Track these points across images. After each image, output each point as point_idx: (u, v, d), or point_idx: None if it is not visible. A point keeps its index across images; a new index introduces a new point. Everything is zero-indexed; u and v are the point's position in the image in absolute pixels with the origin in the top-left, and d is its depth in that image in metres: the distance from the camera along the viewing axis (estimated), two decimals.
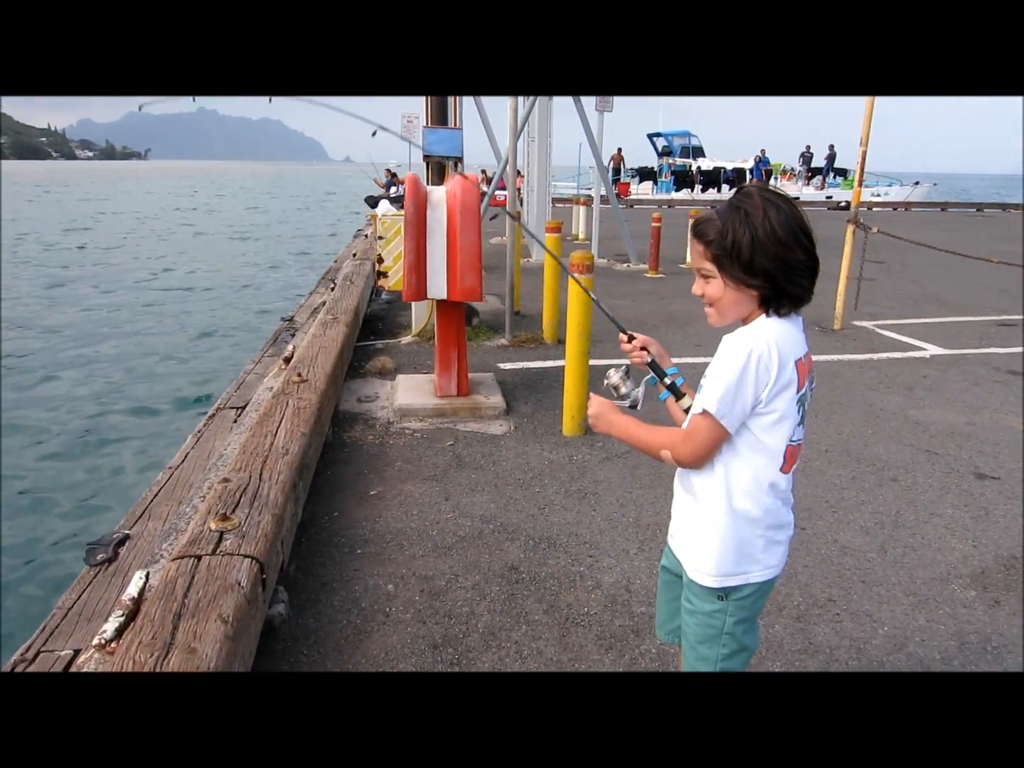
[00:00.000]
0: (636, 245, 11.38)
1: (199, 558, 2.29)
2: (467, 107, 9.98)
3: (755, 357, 1.44)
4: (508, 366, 5.80)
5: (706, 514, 1.59)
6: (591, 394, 1.73)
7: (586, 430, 4.40)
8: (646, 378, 1.71)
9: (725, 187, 30.71)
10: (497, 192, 12.56)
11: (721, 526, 1.57)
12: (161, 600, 2.05)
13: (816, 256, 1.48)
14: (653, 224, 10.39)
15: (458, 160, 6.40)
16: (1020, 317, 7.82)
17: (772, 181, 30.17)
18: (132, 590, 2.15)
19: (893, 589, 2.91)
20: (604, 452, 4.16)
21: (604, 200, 11.82)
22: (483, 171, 24.26)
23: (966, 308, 8.41)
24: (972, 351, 6.53)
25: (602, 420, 1.67)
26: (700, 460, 1.54)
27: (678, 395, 1.67)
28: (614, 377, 1.71)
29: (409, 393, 4.85)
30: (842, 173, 33.11)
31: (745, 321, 1.52)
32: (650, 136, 35.25)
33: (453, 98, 6.39)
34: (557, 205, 16.70)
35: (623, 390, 1.71)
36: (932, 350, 6.56)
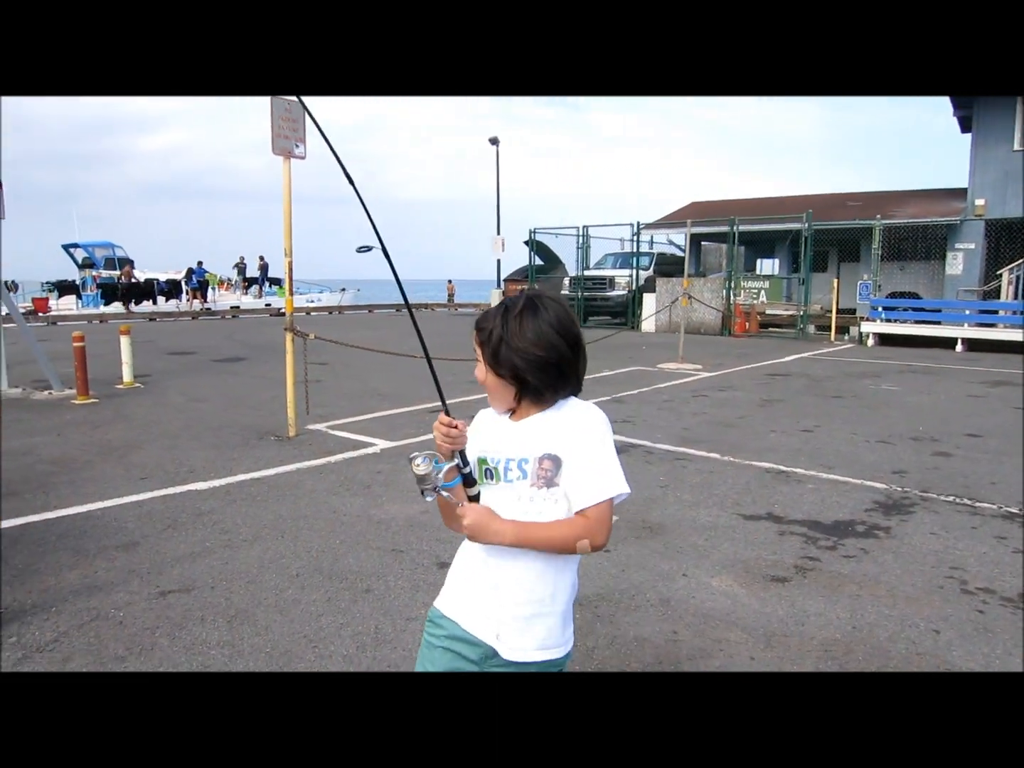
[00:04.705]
0: (58, 367, 9.82)
1: None
2: None
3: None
4: None
5: (555, 590, 1.63)
6: (464, 504, 1.61)
7: None
8: (444, 464, 1.59)
9: (161, 299, 29.49)
10: None
11: (566, 598, 1.65)
12: None
13: (568, 354, 1.57)
14: (75, 344, 9.10)
15: None
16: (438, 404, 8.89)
17: (211, 292, 30.10)
18: None
19: None
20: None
21: (8, 319, 9.97)
22: None
23: (402, 399, 9.22)
24: (413, 440, 7.10)
25: (482, 529, 1.55)
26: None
27: (471, 482, 1.62)
28: (423, 467, 1.53)
29: None
30: (276, 282, 34.91)
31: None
32: (66, 247, 32.02)
33: None
34: None
35: (432, 479, 1.55)
36: (381, 444, 6.93)
